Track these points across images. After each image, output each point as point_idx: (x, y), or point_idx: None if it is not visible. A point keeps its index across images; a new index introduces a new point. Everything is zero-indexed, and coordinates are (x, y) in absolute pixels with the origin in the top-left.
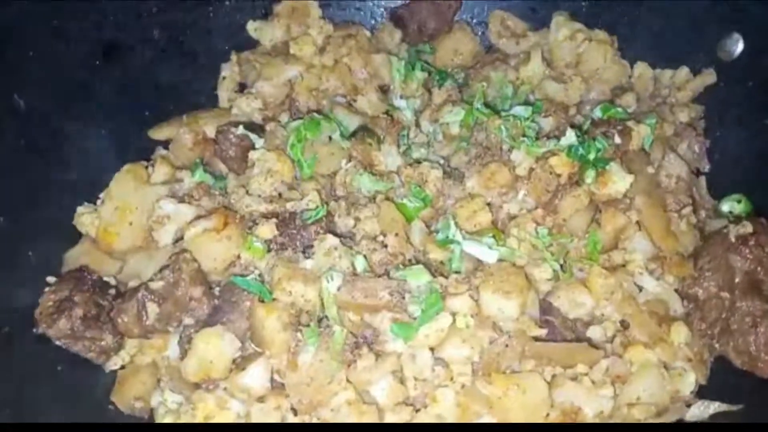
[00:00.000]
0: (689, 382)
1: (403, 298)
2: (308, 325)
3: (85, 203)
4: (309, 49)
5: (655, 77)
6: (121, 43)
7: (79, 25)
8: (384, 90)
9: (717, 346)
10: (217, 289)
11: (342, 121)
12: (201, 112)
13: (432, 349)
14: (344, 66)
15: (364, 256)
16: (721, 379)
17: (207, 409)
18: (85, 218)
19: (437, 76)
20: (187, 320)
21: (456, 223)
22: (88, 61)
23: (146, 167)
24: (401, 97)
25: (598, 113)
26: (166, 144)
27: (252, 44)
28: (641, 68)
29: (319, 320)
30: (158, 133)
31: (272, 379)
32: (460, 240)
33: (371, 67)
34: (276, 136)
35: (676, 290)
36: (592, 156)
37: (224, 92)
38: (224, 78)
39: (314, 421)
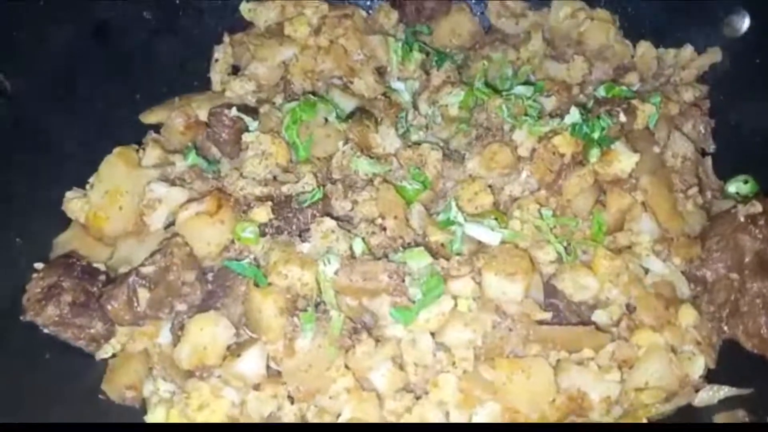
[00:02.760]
0: (698, 366)
1: (403, 281)
2: (305, 310)
3: (75, 188)
4: (304, 29)
5: (659, 56)
6: (112, 24)
7: (69, 5)
8: (381, 72)
9: (726, 328)
10: (211, 274)
11: (338, 103)
12: (193, 95)
13: (433, 334)
14: (340, 47)
15: (363, 239)
16: (730, 363)
17: (201, 398)
18: (74, 203)
19: (435, 57)
20: (180, 306)
21: (457, 205)
22: (78, 43)
23: (137, 150)
24: (399, 78)
25: (601, 92)
26: (157, 128)
27: (245, 26)
28: (644, 47)
29: (317, 305)
30: (150, 117)
31: (268, 367)
32: (462, 222)
33: (368, 49)
34: (270, 119)
35: (683, 272)
36: (596, 135)
37: (217, 75)
38: (217, 60)
39: (312, 408)
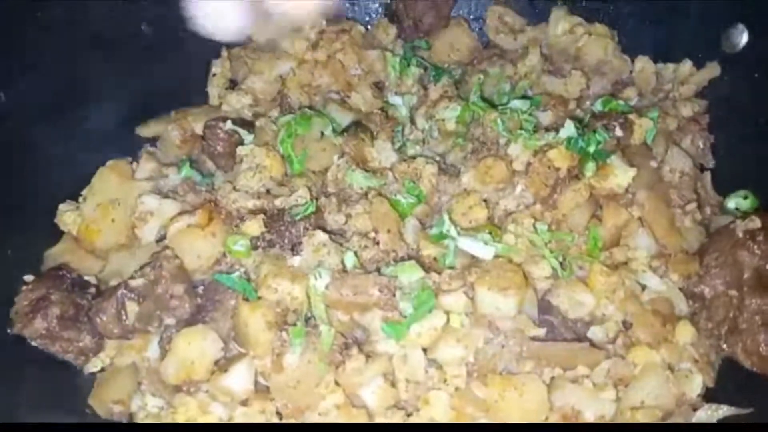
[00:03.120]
0: (696, 384)
1: (394, 295)
2: (294, 325)
3: (68, 201)
4: (301, 44)
5: (657, 71)
6: (108, 38)
7: (65, 18)
8: (379, 87)
9: (725, 346)
10: (201, 288)
11: (335, 118)
12: (190, 109)
13: (425, 350)
14: (337, 62)
15: (355, 253)
16: (729, 382)
17: (188, 413)
18: (67, 216)
19: (433, 72)
20: (169, 320)
21: (451, 218)
22: (73, 56)
23: (131, 163)
24: (396, 93)
25: (598, 106)
26: (153, 142)
27: (243, 40)
28: (643, 62)
29: (307, 320)
30: (146, 130)
31: (257, 382)
32: (455, 235)
33: (365, 63)
34: (266, 132)
35: (681, 289)
36: (592, 148)
37: (214, 89)
38: (214, 74)
39: None
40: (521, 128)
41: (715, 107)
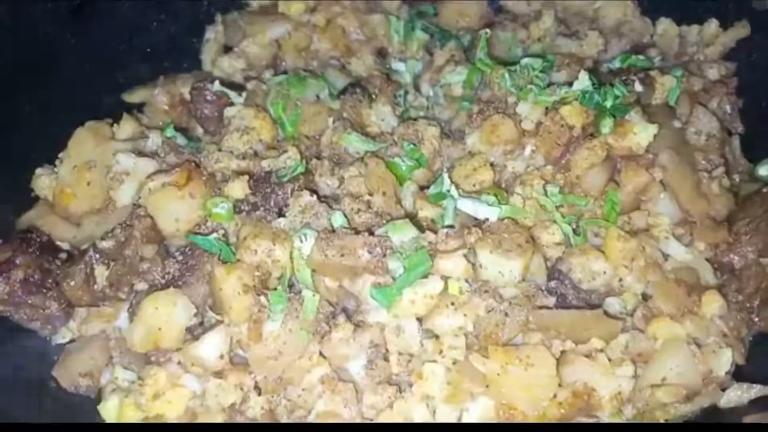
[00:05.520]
0: (724, 360)
1: (385, 256)
2: (275, 289)
3: (45, 165)
4: (298, 6)
5: (681, 34)
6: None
7: None
8: (383, 54)
9: (757, 320)
10: (178, 253)
11: (333, 82)
12: (180, 74)
13: (420, 320)
14: (338, 26)
15: (344, 214)
16: (762, 359)
17: (157, 386)
18: (42, 180)
19: (440, 36)
20: (140, 285)
21: (451, 178)
22: (58, 20)
23: (111, 125)
24: (400, 59)
25: (617, 63)
26: (141, 109)
27: (239, 6)
28: (665, 24)
29: (291, 286)
30: (133, 96)
31: (235, 354)
32: (455, 195)
33: (367, 28)
34: (257, 94)
35: (707, 259)
36: (609, 103)
37: (208, 55)
38: (208, 41)
39: (283, 401)
40: (532, 84)
41: (744, 70)
